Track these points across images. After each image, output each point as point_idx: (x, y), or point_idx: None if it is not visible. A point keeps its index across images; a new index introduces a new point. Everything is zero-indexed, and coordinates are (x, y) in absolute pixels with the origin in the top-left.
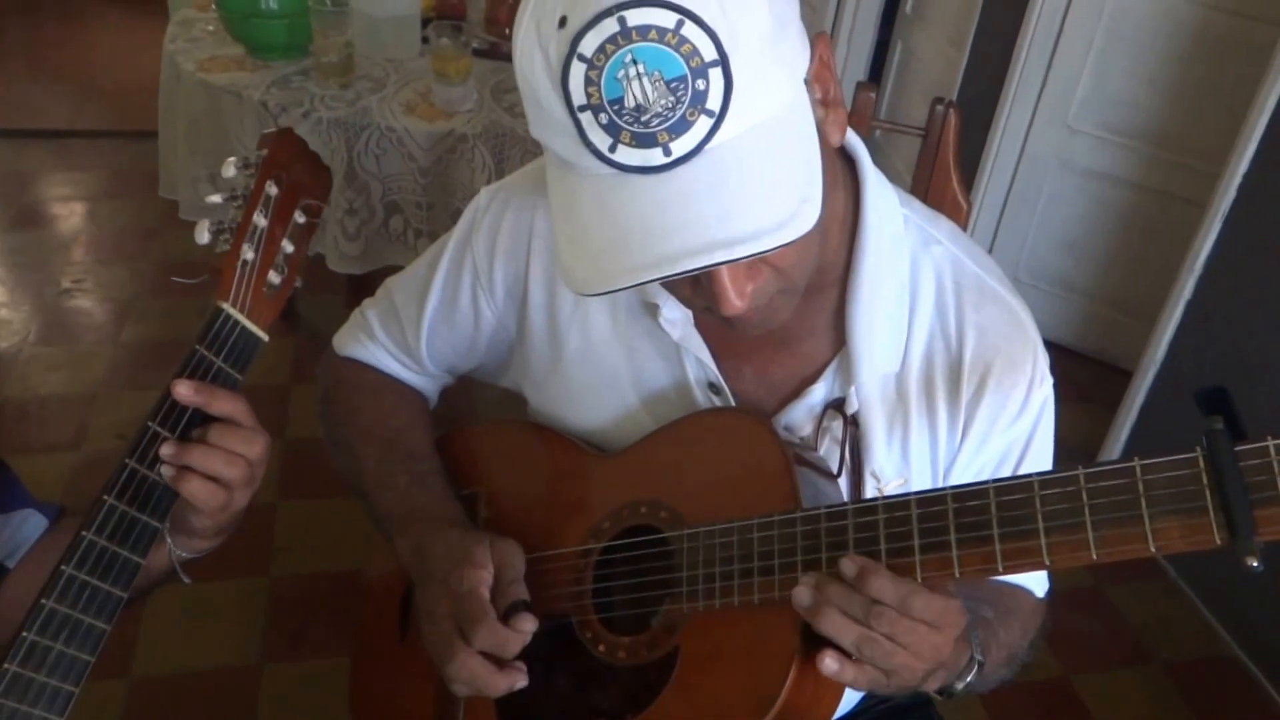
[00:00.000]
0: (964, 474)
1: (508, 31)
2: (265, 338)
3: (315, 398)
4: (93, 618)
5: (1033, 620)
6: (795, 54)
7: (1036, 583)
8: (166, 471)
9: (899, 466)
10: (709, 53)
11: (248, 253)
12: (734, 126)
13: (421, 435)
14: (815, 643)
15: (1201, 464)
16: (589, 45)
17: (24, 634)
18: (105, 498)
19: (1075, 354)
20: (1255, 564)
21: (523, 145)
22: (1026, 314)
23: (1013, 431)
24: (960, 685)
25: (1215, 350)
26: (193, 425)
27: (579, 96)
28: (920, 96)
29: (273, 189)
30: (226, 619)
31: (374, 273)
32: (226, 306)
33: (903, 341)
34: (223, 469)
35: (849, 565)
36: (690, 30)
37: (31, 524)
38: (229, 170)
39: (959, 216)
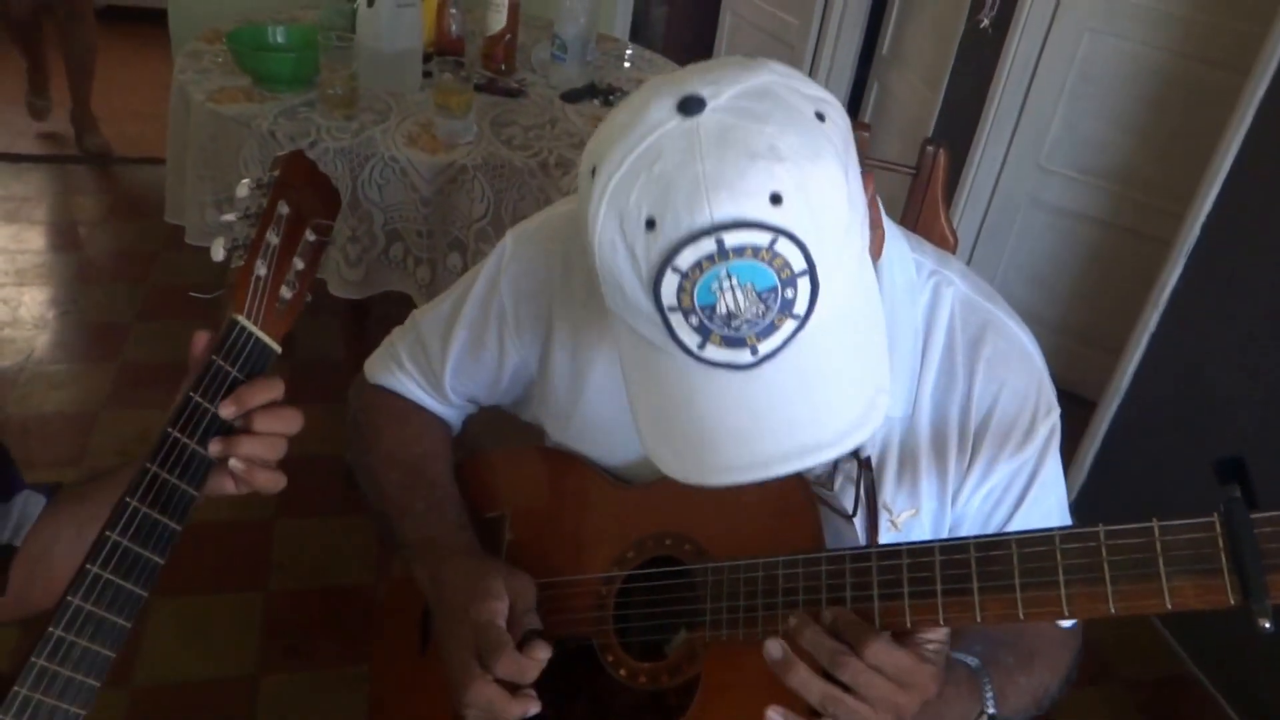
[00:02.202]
0: (970, 501)
1: (504, 67)
2: (278, 349)
3: (346, 422)
4: (134, 583)
5: (1062, 654)
6: (861, 226)
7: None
8: (235, 466)
9: (909, 499)
10: (798, 264)
11: (260, 269)
12: (814, 322)
13: (442, 465)
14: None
15: (1218, 529)
16: (685, 260)
17: (69, 597)
18: (129, 499)
19: None
20: (1268, 626)
21: (520, 177)
22: (1034, 345)
23: (1017, 459)
24: None
25: (1177, 382)
26: (212, 428)
27: (670, 299)
28: (897, 135)
29: (284, 208)
30: (224, 631)
31: (375, 298)
32: (241, 319)
33: (913, 387)
34: (270, 454)
35: (826, 613)
36: (783, 245)
37: (33, 503)
38: (243, 190)
39: (945, 249)
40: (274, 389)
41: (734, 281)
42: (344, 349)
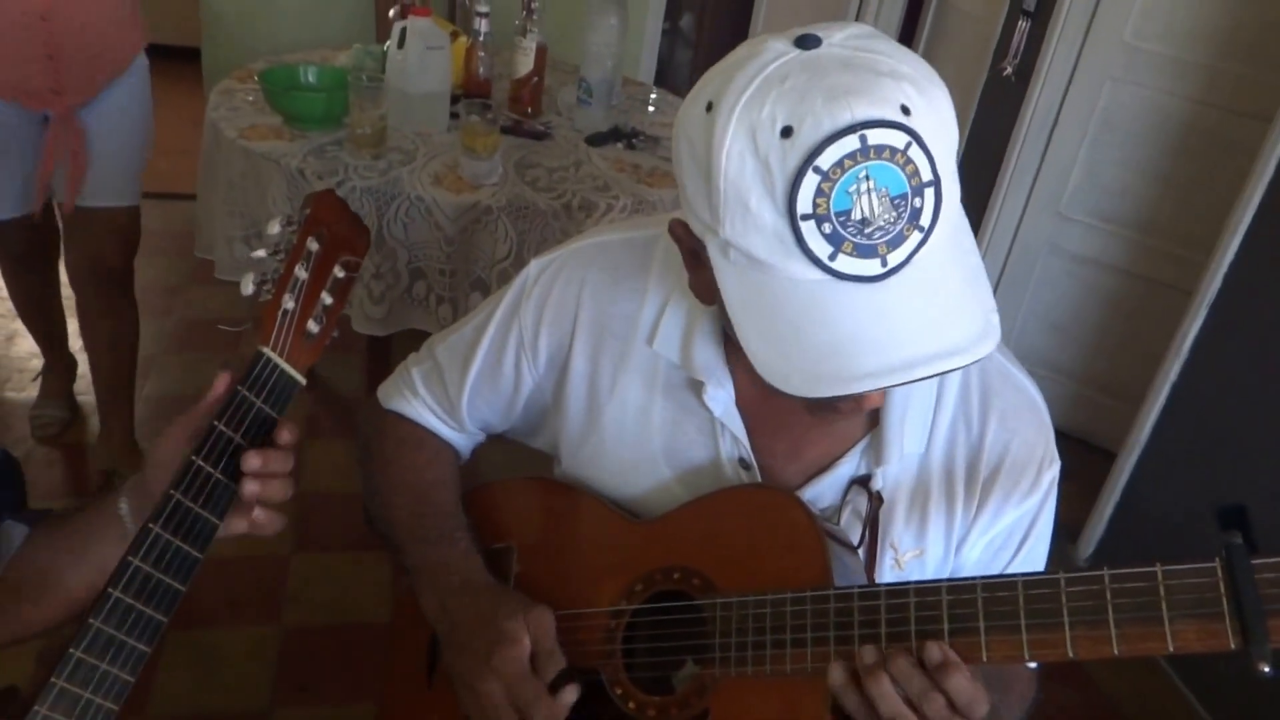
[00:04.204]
0: (975, 547)
1: (530, 110)
2: (303, 381)
3: (357, 446)
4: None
5: (1029, 688)
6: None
7: None
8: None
9: (916, 539)
10: (926, 173)
11: (288, 302)
12: (937, 238)
13: (451, 492)
14: (844, 713)
15: (1220, 574)
16: (828, 159)
17: (110, 590)
18: (151, 525)
19: (1060, 434)
20: (1268, 670)
21: (543, 219)
22: (1040, 397)
23: (1022, 508)
24: None
25: (1198, 433)
26: (237, 457)
27: (805, 206)
28: None
29: (314, 245)
30: (238, 666)
31: (396, 335)
32: (267, 351)
33: (929, 424)
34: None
35: (936, 652)
36: (915, 153)
37: (17, 532)
38: (274, 227)
39: None
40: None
41: (871, 184)
42: (365, 386)
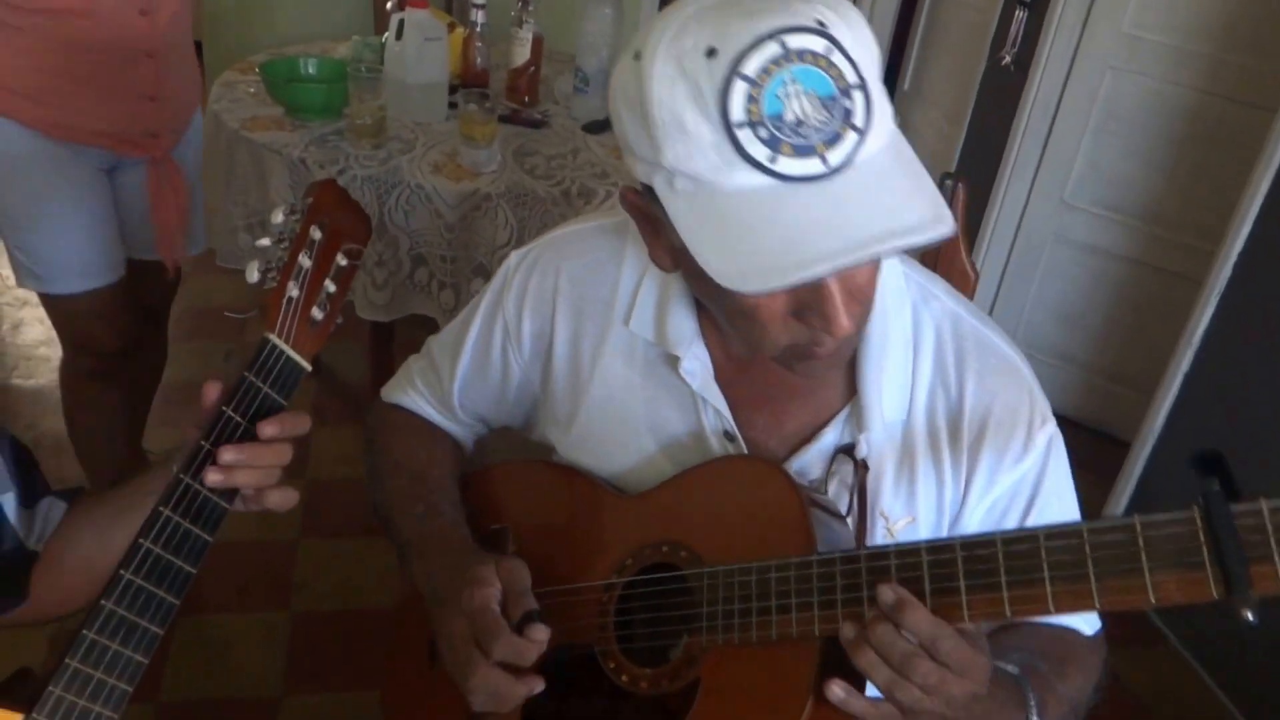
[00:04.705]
0: (974, 515)
1: (527, 99)
2: (308, 367)
3: (363, 440)
4: (165, 591)
5: (1092, 660)
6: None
7: (1084, 622)
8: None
9: (906, 506)
10: (851, 77)
11: (293, 290)
12: (874, 143)
13: (442, 471)
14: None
15: (1199, 522)
16: (752, 66)
17: (121, 572)
18: (161, 508)
19: (1072, 423)
20: (1252, 618)
21: (543, 206)
22: (1022, 361)
23: (1017, 471)
24: None
25: (1213, 422)
26: (245, 441)
27: (738, 114)
28: None
29: (317, 233)
30: (248, 651)
31: (399, 321)
32: (273, 337)
33: (908, 391)
34: (265, 480)
35: (888, 593)
36: (837, 58)
37: (55, 510)
38: (278, 216)
39: (966, 285)
40: (301, 424)
41: (799, 88)
42: (370, 372)
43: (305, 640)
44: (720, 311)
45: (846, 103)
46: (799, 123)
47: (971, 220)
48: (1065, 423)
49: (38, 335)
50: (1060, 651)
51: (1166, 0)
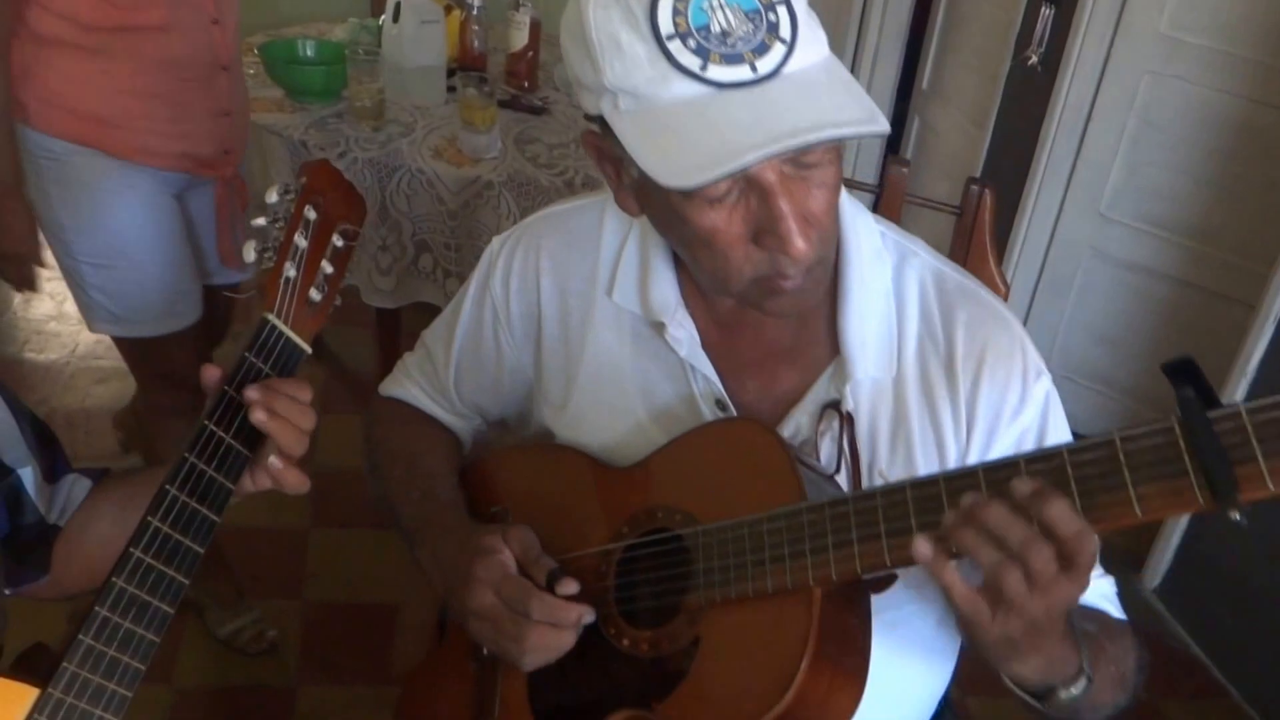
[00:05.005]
0: None
1: (526, 84)
2: (308, 349)
3: (363, 436)
4: (175, 570)
5: (1128, 638)
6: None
7: (1111, 605)
8: (273, 462)
9: (905, 466)
10: None
11: (290, 270)
12: (803, 57)
13: (436, 457)
14: (831, 632)
15: (1178, 431)
16: None
17: (131, 550)
18: (168, 487)
19: None
20: (1240, 518)
21: (546, 196)
22: (1009, 312)
23: (1019, 424)
24: (1065, 694)
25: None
26: (247, 421)
27: (667, 27)
28: (941, 172)
29: (311, 213)
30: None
31: (406, 312)
32: (272, 317)
33: (895, 347)
34: (293, 445)
35: (1025, 484)
36: None
37: (79, 486)
38: (272, 196)
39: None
40: (301, 390)
41: (721, 1)
42: (376, 359)
43: (318, 630)
44: (683, 247)
45: (771, 16)
46: (725, 33)
47: (1000, 227)
48: None
49: (48, 310)
50: (1100, 620)
51: (1208, 0)
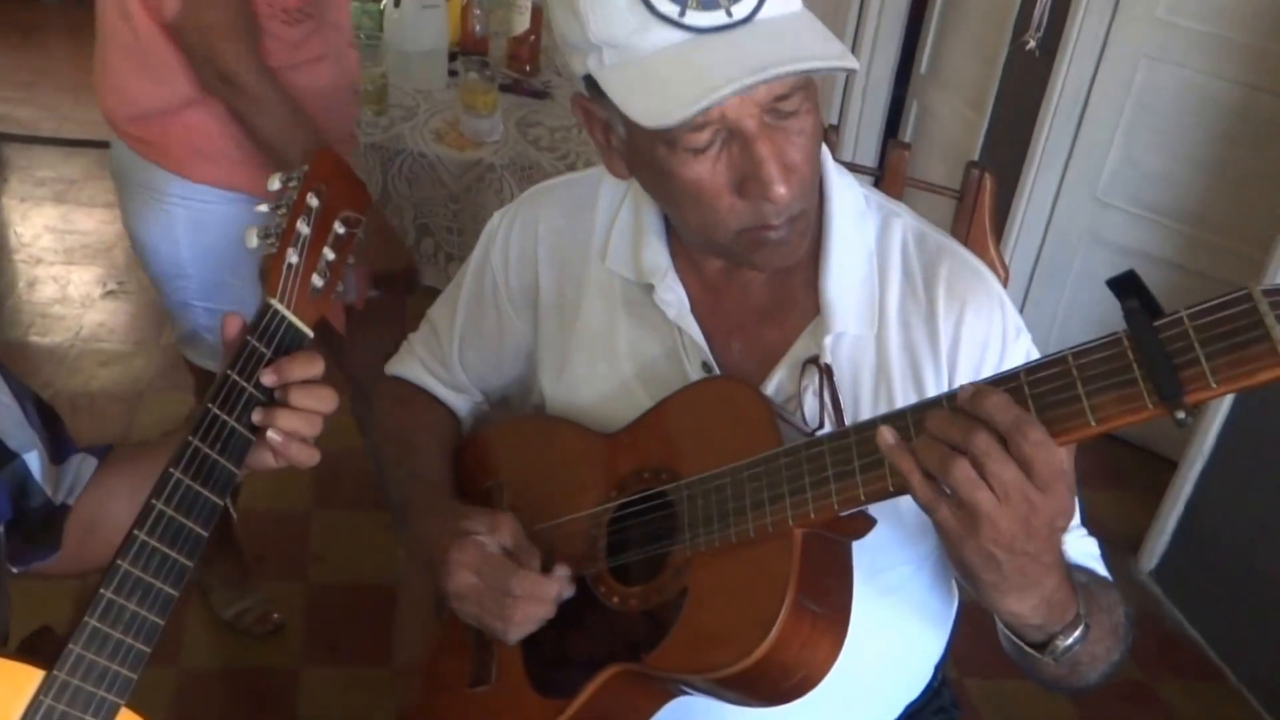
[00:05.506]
0: None
1: (528, 69)
2: (310, 334)
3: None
4: (179, 552)
5: (1118, 595)
6: None
7: (1097, 565)
8: (273, 438)
9: None
10: None
11: (292, 256)
12: (777, 4)
13: (428, 437)
14: (812, 578)
15: (1126, 342)
16: None
17: (135, 532)
18: (172, 470)
19: (1115, 439)
20: (1185, 417)
21: (547, 179)
22: (989, 272)
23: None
24: (1064, 642)
25: (1267, 442)
26: (250, 404)
27: None
28: (939, 156)
29: (314, 200)
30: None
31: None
32: (275, 302)
33: (876, 303)
34: (307, 429)
35: (967, 388)
36: None
37: (86, 465)
38: (274, 183)
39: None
40: (313, 365)
41: None
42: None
43: (322, 612)
44: (671, 204)
45: None
46: None
47: (998, 211)
48: (1108, 438)
49: (52, 293)
50: (1088, 573)
51: None
